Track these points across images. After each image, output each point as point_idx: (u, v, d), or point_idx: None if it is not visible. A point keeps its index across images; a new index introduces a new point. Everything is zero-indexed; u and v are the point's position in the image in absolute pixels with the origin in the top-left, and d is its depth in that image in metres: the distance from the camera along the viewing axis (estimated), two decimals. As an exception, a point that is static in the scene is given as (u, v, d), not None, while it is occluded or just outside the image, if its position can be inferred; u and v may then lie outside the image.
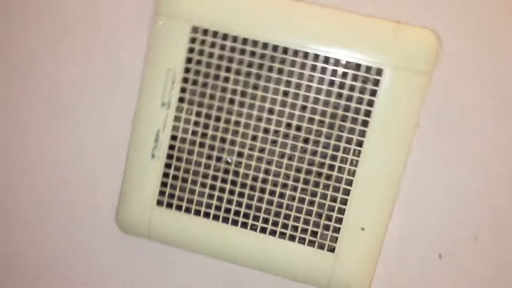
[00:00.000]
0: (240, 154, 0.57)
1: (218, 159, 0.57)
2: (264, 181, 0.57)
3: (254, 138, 0.56)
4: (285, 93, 0.55)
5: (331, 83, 0.55)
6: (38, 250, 0.67)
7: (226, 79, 0.56)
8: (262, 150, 0.57)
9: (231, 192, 0.58)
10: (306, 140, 0.56)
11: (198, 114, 0.57)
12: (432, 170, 0.58)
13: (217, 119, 0.57)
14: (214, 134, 0.57)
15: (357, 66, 0.54)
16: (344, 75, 0.54)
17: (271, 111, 0.56)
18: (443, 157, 0.58)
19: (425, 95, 0.54)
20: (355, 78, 0.54)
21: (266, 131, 0.56)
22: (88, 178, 0.64)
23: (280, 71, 0.55)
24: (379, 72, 0.53)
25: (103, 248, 0.65)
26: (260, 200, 0.57)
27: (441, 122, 0.57)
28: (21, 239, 0.67)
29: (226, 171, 0.57)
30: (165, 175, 0.58)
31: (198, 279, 0.64)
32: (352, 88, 0.54)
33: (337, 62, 0.54)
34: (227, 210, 0.58)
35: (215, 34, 0.55)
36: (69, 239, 0.66)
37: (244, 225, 0.58)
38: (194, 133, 0.57)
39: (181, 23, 0.55)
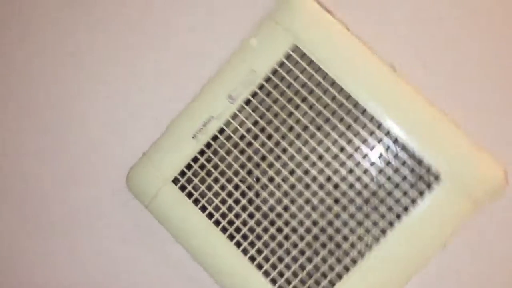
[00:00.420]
0: (271, 179, 0.56)
1: (249, 172, 0.57)
2: (278, 215, 0.56)
3: (291, 172, 0.56)
4: (342, 149, 0.55)
5: (387, 163, 0.54)
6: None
7: (297, 107, 0.56)
8: (292, 187, 0.56)
9: (243, 208, 0.57)
10: (336, 201, 0.55)
11: (255, 123, 0.57)
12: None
13: (269, 137, 0.56)
14: (257, 149, 0.56)
15: (420, 161, 0.53)
16: (404, 163, 0.53)
17: (320, 158, 0.55)
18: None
19: (464, 222, 0.53)
20: (412, 170, 0.53)
21: (306, 172, 0.55)
22: (119, 129, 0.65)
23: (348, 127, 0.54)
24: (436, 177, 0.52)
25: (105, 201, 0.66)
26: (265, 230, 0.56)
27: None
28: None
29: (250, 187, 0.57)
30: (195, 159, 0.58)
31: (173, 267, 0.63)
32: (404, 178, 0.53)
33: (404, 147, 0.53)
34: (230, 222, 0.57)
35: (309, 62, 0.55)
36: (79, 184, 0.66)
37: (238, 244, 0.57)
38: (241, 137, 0.57)
39: (288, 35, 0.55)
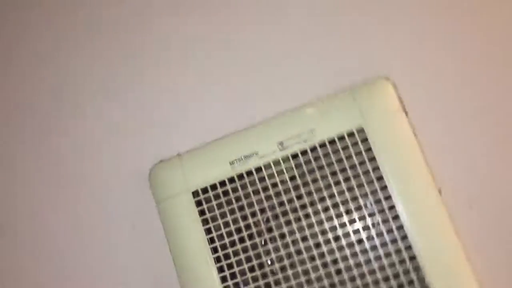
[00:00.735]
0: (282, 236, 0.56)
1: (266, 220, 0.57)
2: (273, 273, 0.56)
3: (304, 238, 0.56)
4: (359, 240, 0.55)
5: (399, 284, 0.54)
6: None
7: (336, 183, 0.56)
8: (299, 252, 0.56)
9: (244, 250, 0.57)
10: (332, 285, 0.55)
11: (292, 178, 0.57)
12: None
13: (299, 197, 0.57)
14: (283, 202, 0.57)
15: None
16: (411, 282, 0.53)
17: (336, 239, 0.55)
18: None
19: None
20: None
21: (317, 246, 0.56)
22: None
23: (377, 232, 0.55)
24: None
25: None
26: (255, 279, 0.56)
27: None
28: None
29: (259, 233, 0.57)
30: (222, 183, 0.59)
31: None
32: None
33: (421, 279, 0.53)
34: (226, 256, 0.57)
35: (367, 148, 0.56)
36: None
37: (223, 279, 0.57)
38: (274, 185, 0.58)
39: (360, 115, 0.56)
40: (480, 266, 0.55)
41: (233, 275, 0.57)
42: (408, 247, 0.54)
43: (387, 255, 0.54)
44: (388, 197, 0.55)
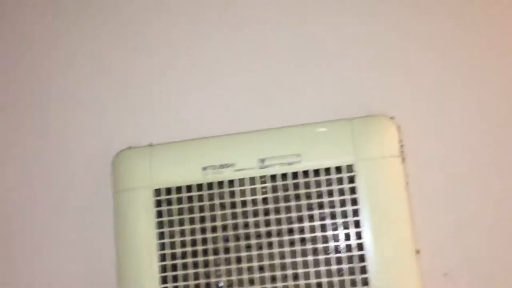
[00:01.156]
0: (238, 260, 0.51)
1: (225, 233, 0.52)
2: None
3: (261, 268, 0.51)
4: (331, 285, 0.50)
5: None
6: None
7: (311, 217, 0.51)
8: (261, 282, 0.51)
9: (194, 254, 0.52)
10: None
11: (264, 200, 0.52)
12: None
13: (267, 223, 0.52)
14: (251, 224, 0.52)
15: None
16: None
17: (299, 276, 0.50)
18: None
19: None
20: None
21: (273, 278, 0.50)
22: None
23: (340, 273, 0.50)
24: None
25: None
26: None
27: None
28: None
29: (216, 251, 0.52)
30: (189, 188, 0.53)
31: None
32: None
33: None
34: (174, 267, 0.52)
35: (353, 188, 0.51)
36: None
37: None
38: (243, 203, 0.52)
39: (354, 151, 0.52)
40: None
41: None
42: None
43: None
44: (360, 247, 0.50)
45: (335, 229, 0.51)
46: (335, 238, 0.51)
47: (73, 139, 0.61)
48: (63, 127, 0.61)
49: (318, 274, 0.50)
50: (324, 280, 0.50)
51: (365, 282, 0.49)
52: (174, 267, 0.52)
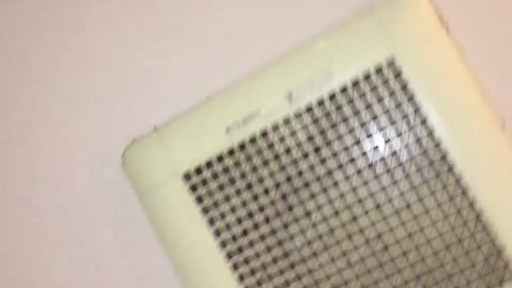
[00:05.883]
0: (304, 216, 0.44)
1: (283, 196, 0.44)
2: (292, 267, 0.44)
3: (336, 213, 0.43)
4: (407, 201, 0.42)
5: (460, 241, 0.42)
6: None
7: (369, 135, 0.43)
8: (331, 231, 0.43)
9: (256, 226, 0.44)
10: (380, 266, 0.43)
11: (309, 138, 0.44)
12: None
13: (322, 161, 0.43)
14: (302, 171, 0.44)
15: (498, 252, 0.41)
16: (479, 247, 0.42)
17: (378, 206, 0.43)
18: None
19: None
20: (486, 259, 0.42)
21: (355, 218, 0.43)
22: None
23: (427, 182, 0.42)
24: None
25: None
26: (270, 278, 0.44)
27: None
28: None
29: (278, 214, 0.44)
30: (219, 158, 0.45)
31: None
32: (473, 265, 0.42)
33: (484, 227, 0.42)
34: (239, 249, 0.44)
35: (404, 86, 0.42)
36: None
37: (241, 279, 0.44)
38: (287, 150, 0.44)
39: (387, 40, 0.42)
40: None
41: (251, 272, 0.44)
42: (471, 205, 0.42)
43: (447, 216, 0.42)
44: (437, 146, 0.42)
45: (399, 135, 0.43)
46: (407, 148, 0.42)
47: (71, 146, 0.51)
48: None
49: (405, 194, 0.42)
50: (413, 198, 0.42)
51: (457, 181, 0.42)
52: (240, 250, 0.45)
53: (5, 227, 0.52)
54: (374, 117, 0.43)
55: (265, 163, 0.44)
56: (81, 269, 0.51)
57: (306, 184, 0.44)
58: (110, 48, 0.51)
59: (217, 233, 0.45)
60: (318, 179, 0.44)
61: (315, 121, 0.43)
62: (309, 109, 0.43)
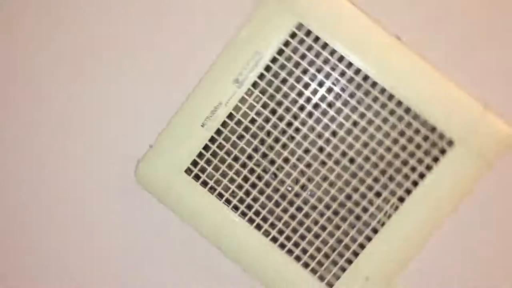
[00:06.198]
0: (286, 160, 0.56)
1: (263, 155, 0.56)
2: (297, 195, 0.56)
3: (306, 151, 0.56)
4: (354, 123, 0.55)
5: (402, 133, 0.54)
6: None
7: (306, 85, 0.55)
8: (308, 165, 0.56)
9: (261, 192, 0.57)
10: (353, 175, 0.55)
11: (265, 105, 0.56)
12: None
13: (280, 118, 0.56)
14: (270, 130, 0.56)
15: (432, 129, 0.54)
16: (417, 131, 0.54)
17: (334, 134, 0.55)
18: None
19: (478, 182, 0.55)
20: (425, 138, 0.54)
21: (321, 149, 0.55)
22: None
23: (360, 102, 0.54)
24: (449, 142, 0.54)
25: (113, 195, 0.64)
26: (285, 210, 0.57)
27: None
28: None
29: (265, 170, 0.56)
30: (206, 147, 0.57)
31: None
32: (418, 146, 0.54)
33: (416, 117, 0.54)
34: (249, 206, 0.57)
35: (316, 39, 0.54)
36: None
37: (259, 227, 0.57)
38: (252, 121, 0.56)
39: (290, 14, 0.54)
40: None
41: (264, 219, 0.57)
42: (407, 110, 0.54)
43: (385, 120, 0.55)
44: (365, 77, 0.54)
45: (328, 75, 0.55)
46: (335, 83, 0.55)
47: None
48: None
49: (353, 117, 0.55)
50: (359, 117, 0.55)
51: (382, 91, 0.54)
52: (250, 206, 0.57)
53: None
54: (304, 70, 0.55)
55: (240, 136, 0.56)
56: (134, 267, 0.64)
57: (276, 139, 0.56)
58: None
59: (228, 201, 0.57)
60: (283, 132, 0.56)
61: (263, 91, 0.55)
62: (255, 84, 0.55)
